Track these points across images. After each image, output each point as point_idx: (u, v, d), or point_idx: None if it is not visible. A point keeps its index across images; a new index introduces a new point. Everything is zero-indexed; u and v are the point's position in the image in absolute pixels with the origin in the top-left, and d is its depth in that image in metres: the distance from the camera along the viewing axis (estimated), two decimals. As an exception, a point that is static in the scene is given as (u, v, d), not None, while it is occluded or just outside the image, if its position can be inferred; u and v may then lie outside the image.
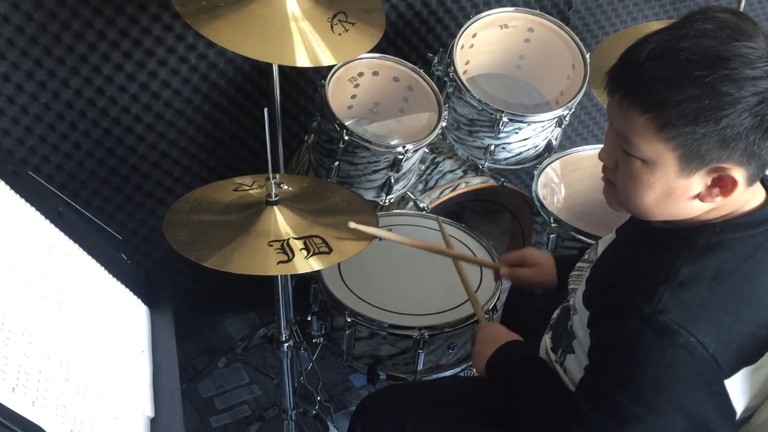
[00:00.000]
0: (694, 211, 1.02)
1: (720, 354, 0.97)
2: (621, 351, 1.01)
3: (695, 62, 0.93)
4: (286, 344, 1.65)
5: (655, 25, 2.05)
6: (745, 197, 1.02)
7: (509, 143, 1.98)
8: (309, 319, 1.81)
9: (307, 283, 1.82)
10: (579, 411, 1.06)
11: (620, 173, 1.05)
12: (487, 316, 1.67)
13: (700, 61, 0.92)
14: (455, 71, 1.90)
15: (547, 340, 1.31)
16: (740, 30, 0.94)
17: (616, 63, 1.01)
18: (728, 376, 0.99)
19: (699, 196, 1.00)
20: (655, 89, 0.95)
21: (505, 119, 1.89)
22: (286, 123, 2.09)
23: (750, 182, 1.00)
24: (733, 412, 1.02)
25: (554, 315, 1.33)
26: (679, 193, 1.00)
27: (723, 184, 0.98)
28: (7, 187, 1.11)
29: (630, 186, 1.04)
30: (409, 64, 1.93)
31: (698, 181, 0.99)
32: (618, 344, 1.02)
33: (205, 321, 2.36)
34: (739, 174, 0.97)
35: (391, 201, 1.95)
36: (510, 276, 1.54)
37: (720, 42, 0.93)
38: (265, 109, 1.31)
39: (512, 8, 2.02)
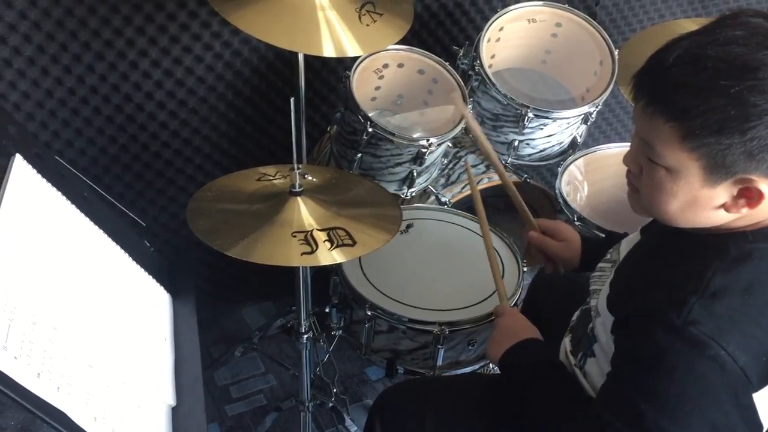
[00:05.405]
0: (719, 220, 1.00)
1: (750, 367, 0.94)
2: (648, 362, 0.99)
3: (722, 71, 0.90)
4: (306, 336, 1.64)
5: (684, 23, 2.05)
6: None
7: (534, 139, 1.96)
8: (328, 311, 1.80)
9: (323, 273, 1.81)
10: (602, 420, 1.03)
11: (644, 179, 1.03)
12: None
13: (727, 70, 0.90)
14: (481, 65, 1.88)
15: (566, 342, 1.28)
16: None
17: (642, 67, 0.99)
18: (757, 389, 0.96)
19: (724, 207, 0.98)
20: (680, 97, 0.92)
21: (530, 115, 1.87)
22: (308, 113, 2.08)
23: None
24: (760, 426, 1.00)
25: (574, 317, 1.31)
26: (704, 203, 0.98)
27: (749, 195, 0.96)
28: (34, 171, 1.10)
29: (653, 193, 1.01)
30: (435, 57, 1.91)
31: (723, 192, 0.96)
32: (645, 355, 0.99)
33: (222, 309, 2.36)
34: (765, 186, 0.94)
35: (413, 194, 1.94)
36: (538, 241, 1.52)
37: (749, 50, 0.90)
38: (292, 99, 1.30)
39: (540, 2, 2.00)
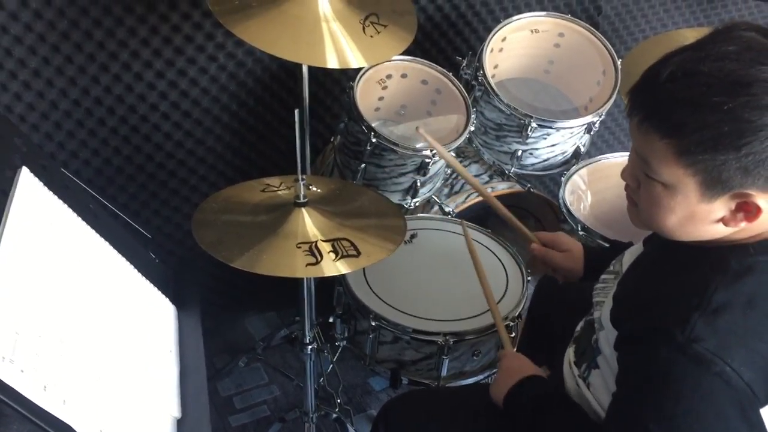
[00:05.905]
0: (719, 233, 1.00)
1: (755, 382, 0.94)
2: (653, 380, 0.98)
3: (715, 87, 0.90)
4: (310, 346, 1.64)
5: (686, 32, 2.05)
6: None
7: (537, 149, 1.97)
8: (332, 321, 1.80)
9: (328, 283, 1.81)
10: None
11: (642, 194, 1.03)
12: (513, 323, 1.66)
13: (720, 86, 0.90)
14: (484, 75, 1.89)
15: (570, 353, 1.28)
16: (766, 52, 0.90)
17: (636, 83, 0.99)
18: (764, 404, 0.96)
19: (723, 221, 0.98)
20: (673, 114, 0.93)
21: (533, 125, 1.88)
22: (311, 123, 2.08)
23: None
24: None
25: (578, 328, 1.30)
26: (702, 217, 0.98)
27: (747, 209, 0.96)
28: (41, 183, 1.11)
29: (651, 208, 1.01)
30: (439, 67, 1.92)
31: (721, 206, 0.96)
32: (650, 373, 0.99)
33: (226, 319, 2.36)
34: (763, 201, 0.94)
35: (417, 204, 1.94)
36: (539, 254, 1.52)
37: (742, 66, 0.90)
38: (296, 110, 1.31)
39: (543, 13, 2.01)
